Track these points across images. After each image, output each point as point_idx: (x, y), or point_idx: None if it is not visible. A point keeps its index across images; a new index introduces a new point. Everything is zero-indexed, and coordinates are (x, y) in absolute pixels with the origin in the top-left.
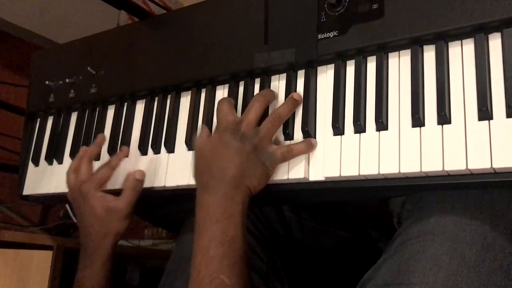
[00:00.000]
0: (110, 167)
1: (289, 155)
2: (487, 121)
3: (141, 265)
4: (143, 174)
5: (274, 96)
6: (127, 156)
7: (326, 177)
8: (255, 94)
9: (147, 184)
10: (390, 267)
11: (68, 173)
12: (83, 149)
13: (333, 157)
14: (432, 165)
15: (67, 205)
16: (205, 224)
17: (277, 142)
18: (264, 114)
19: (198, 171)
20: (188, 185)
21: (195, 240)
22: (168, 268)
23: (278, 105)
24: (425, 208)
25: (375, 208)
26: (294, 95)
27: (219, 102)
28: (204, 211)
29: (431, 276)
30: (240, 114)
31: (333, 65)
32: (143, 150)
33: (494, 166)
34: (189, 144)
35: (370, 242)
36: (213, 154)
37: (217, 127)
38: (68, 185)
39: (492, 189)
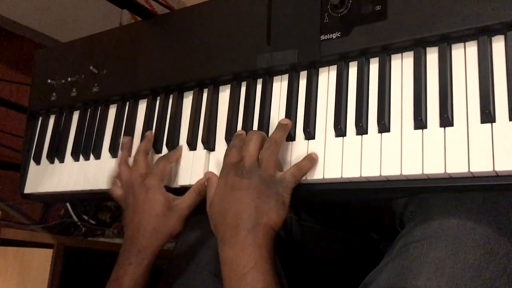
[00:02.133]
0: (169, 161)
1: (299, 173)
2: (489, 124)
3: None
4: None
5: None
6: (180, 154)
7: (327, 179)
8: (257, 95)
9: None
10: (392, 269)
11: (121, 164)
12: (128, 139)
13: (335, 158)
14: (434, 167)
15: (68, 204)
16: (232, 282)
17: (280, 168)
18: None
19: (214, 225)
20: (190, 185)
21: None
22: (168, 268)
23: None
24: (429, 210)
25: (376, 209)
26: (282, 121)
27: (227, 149)
28: (228, 268)
29: (434, 279)
30: (242, 113)
31: (335, 66)
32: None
33: (496, 169)
34: (191, 144)
35: (371, 243)
36: (224, 202)
37: (220, 172)
38: (122, 176)
39: (496, 192)
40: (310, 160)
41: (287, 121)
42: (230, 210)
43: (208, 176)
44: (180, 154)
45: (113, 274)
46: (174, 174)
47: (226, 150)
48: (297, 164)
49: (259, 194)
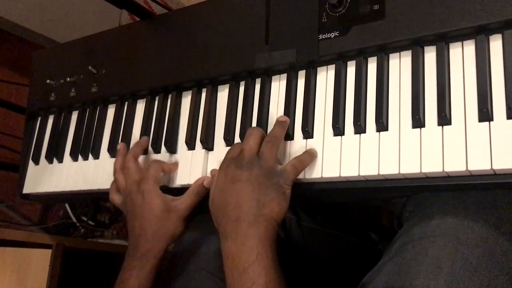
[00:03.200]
0: (160, 165)
1: (300, 165)
2: (487, 123)
3: None
4: (210, 181)
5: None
6: (173, 169)
7: (325, 178)
8: (255, 95)
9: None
10: (391, 269)
11: (116, 173)
12: (122, 146)
13: (333, 157)
14: (432, 166)
15: (67, 205)
16: (233, 276)
17: (279, 163)
18: None
19: (216, 220)
20: (188, 185)
21: None
22: (167, 268)
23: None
24: (427, 209)
25: (375, 210)
26: (279, 118)
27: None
28: (230, 262)
29: (432, 279)
30: (240, 113)
31: (333, 65)
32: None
33: (494, 167)
34: (189, 144)
35: (370, 244)
36: (224, 195)
37: (220, 165)
38: (119, 184)
39: (494, 191)
40: (310, 154)
41: (285, 118)
42: (230, 202)
43: (213, 173)
44: (174, 169)
45: (119, 277)
46: (175, 175)
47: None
48: (297, 157)
49: (259, 185)
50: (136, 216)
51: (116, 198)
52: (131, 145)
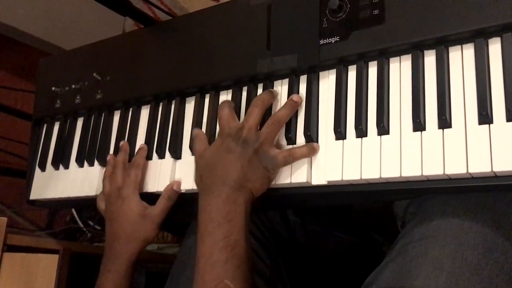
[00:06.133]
0: (138, 167)
1: (290, 159)
2: (487, 125)
3: (146, 269)
4: (179, 184)
5: (272, 97)
6: (146, 152)
7: (328, 181)
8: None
9: (151, 188)
10: (392, 270)
11: (103, 180)
12: (111, 156)
13: (335, 161)
14: (433, 169)
15: (73, 210)
16: (207, 228)
17: (278, 146)
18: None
19: (200, 175)
20: (193, 189)
21: (198, 244)
22: (172, 272)
23: (279, 107)
24: (427, 211)
25: (379, 212)
26: (293, 97)
27: (220, 106)
28: (207, 215)
29: (433, 279)
30: (243, 118)
31: (334, 70)
32: (148, 155)
33: (495, 169)
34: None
35: (374, 246)
36: (215, 158)
37: (219, 132)
38: (104, 190)
39: (494, 192)
40: (309, 150)
41: (299, 99)
42: (220, 167)
43: (196, 132)
44: (144, 154)
45: (96, 283)
46: (179, 179)
47: (220, 107)
48: (292, 150)
49: (249, 163)
50: (113, 221)
51: (101, 205)
52: (135, 151)
